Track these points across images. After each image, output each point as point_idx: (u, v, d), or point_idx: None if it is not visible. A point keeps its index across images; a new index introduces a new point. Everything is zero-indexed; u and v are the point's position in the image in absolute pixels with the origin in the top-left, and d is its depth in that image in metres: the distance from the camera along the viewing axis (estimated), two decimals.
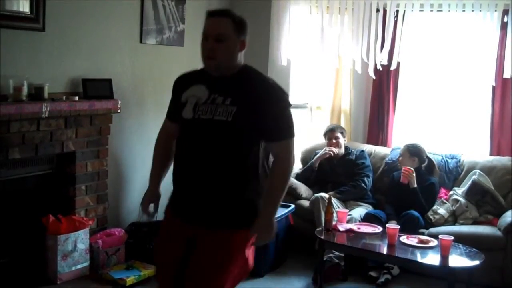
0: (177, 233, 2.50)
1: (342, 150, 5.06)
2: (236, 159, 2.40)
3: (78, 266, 4.00)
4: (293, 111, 2.47)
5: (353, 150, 5.10)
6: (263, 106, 2.37)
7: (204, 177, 2.41)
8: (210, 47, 2.39)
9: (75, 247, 3.95)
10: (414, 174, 4.59)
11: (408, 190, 4.59)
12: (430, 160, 4.85)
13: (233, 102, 2.37)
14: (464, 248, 3.80)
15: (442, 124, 5.34)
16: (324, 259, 4.24)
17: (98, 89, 4.18)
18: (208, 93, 2.43)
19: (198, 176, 2.42)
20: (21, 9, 3.70)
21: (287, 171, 2.46)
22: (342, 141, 5.06)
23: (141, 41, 4.69)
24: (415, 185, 4.58)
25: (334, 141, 5.04)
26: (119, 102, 4.29)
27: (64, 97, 3.91)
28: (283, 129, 2.43)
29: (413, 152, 4.77)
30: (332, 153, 4.99)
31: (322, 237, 4.07)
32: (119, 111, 4.31)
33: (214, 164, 2.40)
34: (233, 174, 2.41)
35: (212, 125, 2.38)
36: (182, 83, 2.57)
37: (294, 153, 2.47)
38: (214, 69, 2.44)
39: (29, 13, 3.73)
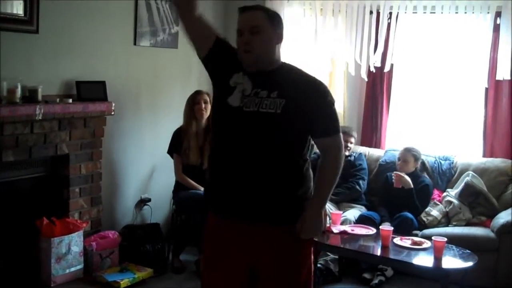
0: (235, 248, 2.39)
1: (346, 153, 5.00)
2: (287, 156, 2.33)
3: (72, 269, 3.99)
4: None
5: (352, 153, 5.08)
6: (313, 101, 2.30)
7: (255, 174, 2.30)
8: (245, 41, 2.31)
9: (69, 249, 3.95)
10: (407, 177, 4.61)
11: (402, 192, 4.61)
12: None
13: (281, 95, 2.28)
14: (457, 249, 3.80)
15: (435, 126, 5.35)
16: (318, 265, 4.22)
17: (92, 91, 4.18)
18: (252, 85, 2.32)
19: (249, 173, 2.31)
20: (14, 11, 3.70)
21: (340, 165, 2.44)
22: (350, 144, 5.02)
23: (135, 43, 4.69)
24: (411, 186, 4.59)
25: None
26: (113, 105, 4.29)
27: (58, 100, 3.90)
28: (333, 124, 2.39)
29: (417, 157, 4.79)
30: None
31: (316, 239, 4.06)
32: (113, 113, 4.31)
33: (265, 162, 2.29)
34: (287, 171, 2.33)
35: (258, 118, 2.28)
36: (233, 60, 2.38)
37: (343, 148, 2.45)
38: (252, 63, 2.34)
39: (22, 15, 3.73)
